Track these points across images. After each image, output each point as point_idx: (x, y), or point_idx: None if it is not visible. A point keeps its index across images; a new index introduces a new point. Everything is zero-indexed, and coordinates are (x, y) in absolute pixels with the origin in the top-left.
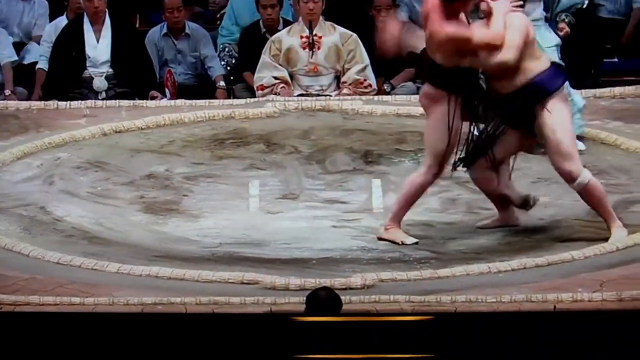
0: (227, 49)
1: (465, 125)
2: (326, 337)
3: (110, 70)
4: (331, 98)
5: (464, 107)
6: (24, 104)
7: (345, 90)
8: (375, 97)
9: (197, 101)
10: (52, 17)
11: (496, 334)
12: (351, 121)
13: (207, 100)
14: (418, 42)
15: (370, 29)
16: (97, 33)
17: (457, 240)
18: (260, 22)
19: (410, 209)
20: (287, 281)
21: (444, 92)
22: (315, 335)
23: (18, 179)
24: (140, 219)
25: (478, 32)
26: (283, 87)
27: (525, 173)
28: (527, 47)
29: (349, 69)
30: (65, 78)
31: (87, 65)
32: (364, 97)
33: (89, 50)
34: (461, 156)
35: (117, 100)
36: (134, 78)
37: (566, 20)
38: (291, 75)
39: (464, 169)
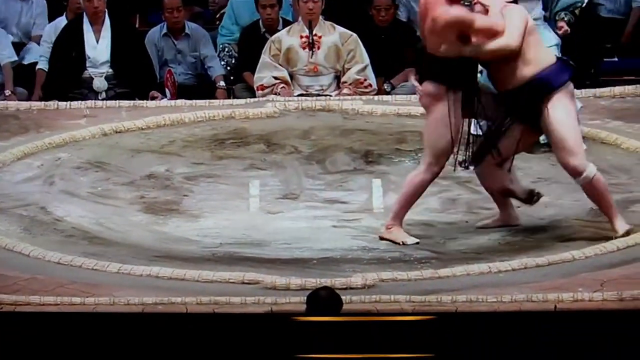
0: (227, 49)
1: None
2: (327, 337)
3: (110, 70)
4: (331, 98)
5: (463, 103)
6: (24, 104)
7: (345, 90)
8: (376, 97)
9: (197, 101)
10: (52, 17)
11: (497, 334)
12: (351, 121)
13: (207, 101)
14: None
15: (369, 28)
16: (97, 33)
17: (458, 240)
18: (260, 22)
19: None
20: (287, 281)
21: (444, 90)
22: (316, 335)
23: (18, 179)
24: (141, 219)
25: (479, 16)
26: (283, 87)
27: (525, 173)
28: (528, 36)
29: (349, 68)
30: (65, 78)
31: (87, 65)
32: (364, 97)
33: (88, 51)
34: (468, 155)
35: (117, 101)
36: (134, 78)
37: (565, 19)
38: (291, 75)
39: (470, 167)
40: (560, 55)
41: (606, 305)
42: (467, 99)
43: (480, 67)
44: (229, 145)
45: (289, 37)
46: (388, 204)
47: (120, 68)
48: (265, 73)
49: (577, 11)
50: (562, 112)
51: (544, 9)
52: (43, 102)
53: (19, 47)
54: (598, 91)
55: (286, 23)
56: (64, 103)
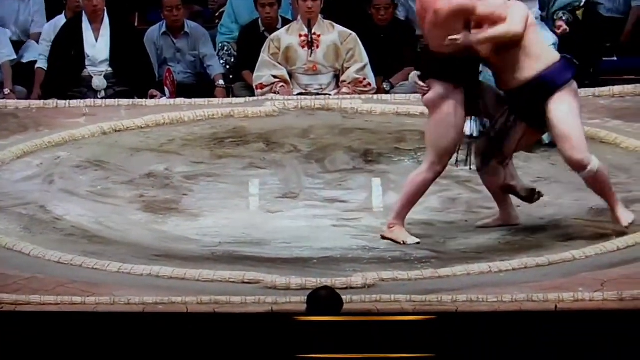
0: (226, 48)
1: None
2: (327, 337)
3: (110, 69)
4: (330, 97)
5: (466, 101)
6: (24, 103)
7: (344, 89)
8: (375, 96)
9: (197, 100)
10: (51, 16)
11: (497, 334)
12: (351, 120)
13: (207, 99)
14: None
15: (369, 27)
16: (96, 32)
17: (458, 240)
18: (259, 20)
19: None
20: (288, 281)
21: (448, 88)
22: (316, 334)
23: (18, 178)
24: (140, 218)
25: (482, 3)
26: (282, 86)
27: (525, 172)
28: (529, 32)
29: (348, 67)
30: (64, 77)
31: (86, 64)
32: (363, 96)
33: (87, 49)
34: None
35: (117, 99)
36: (133, 77)
37: (564, 18)
38: (290, 74)
39: (472, 167)
40: None
41: (607, 305)
42: (469, 97)
43: (481, 68)
44: (228, 144)
45: (288, 36)
46: (388, 203)
47: (120, 67)
48: (264, 72)
49: (580, 12)
50: (566, 108)
51: (541, 9)
52: (42, 101)
53: (17, 45)
54: (597, 90)
55: (285, 22)
56: (63, 102)
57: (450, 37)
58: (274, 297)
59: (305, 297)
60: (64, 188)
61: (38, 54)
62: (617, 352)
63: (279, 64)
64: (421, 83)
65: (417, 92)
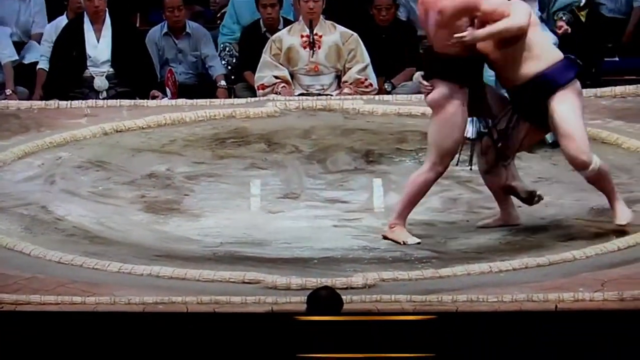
0: (227, 49)
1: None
2: (328, 337)
3: (111, 69)
4: (332, 97)
5: (469, 102)
6: (25, 104)
7: (346, 90)
8: (376, 97)
9: (198, 100)
10: (53, 17)
11: (497, 334)
12: (352, 121)
13: (208, 100)
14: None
15: (370, 27)
16: (98, 32)
17: (459, 240)
18: (261, 21)
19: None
20: (288, 281)
21: (452, 88)
22: (316, 334)
23: (19, 179)
24: (141, 218)
25: (484, 1)
26: (284, 86)
27: (526, 172)
28: (532, 30)
29: (350, 68)
30: (66, 77)
31: (88, 64)
32: (364, 97)
33: (89, 50)
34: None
35: (118, 100)
36: (135, 77)
37: (564, 18)
38: (292, 75)
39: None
40: None
41: (607, 305)
42: (473, 97)
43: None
44: (229, 145)
45: (290, 37)
46: (389, 204)
47: (121, 67)
48: (266, 72)
49: (583, 13)
50: (568, 107)
51: (540, 10)
52: (44, 101)
53: (18, 46)
54: (599, 91)
55: (287, 22)
56: (65, 102)
57: (456, 36)
58: (274, 297)
59: (306, 297)
60: (65, 188)
61: (39, 55)
62: (617, 352)
63: (281, 64)
64: (425, 82)
65: (421, 93)
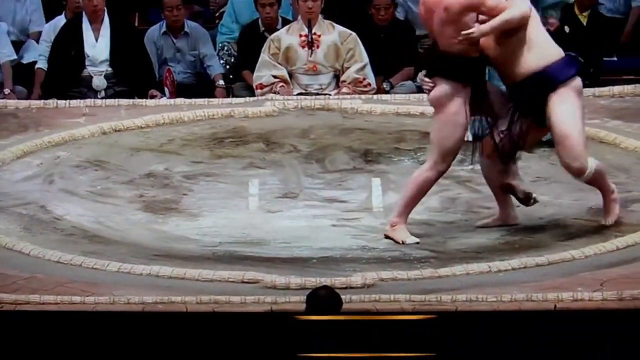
0: (226, 48)
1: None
2: (327, 336)
3: (110, 69)
4: (330, 97)
5: (472, 101)
6: (24, 103)
7: (344, 89)
8: (375, 96)
9: (197, 100)
10: (51, 16)
11: (497, 333)
12: (350, 120)
13: (207, 99)
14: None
15: (369, 27)
16: (96, 32)
17: (458, 239)
18: (259, 20)
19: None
20: (287, 280)
21: (456, 87)
22: (315, 334)
23: (18, 178)
24: (140, 217)
25: None
26: (282, 85)
27: (524, 172)
28: (532, 20)
29: (348, 67)
30: (64, 77)
31: (86, 64)
32: (363, 96)
33: (88, 49)
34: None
35: (117, 99)
36: (133, 77)
37: (555, 15)
38: (290, 74)
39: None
40: None
41: (606, 305)
42: (476, 96)
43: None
44: (228, 144)
45: (288, 36)
46: (387, 203)
47: (120, 67)
48: (264, 72)
49: (585, 14)
50: (567, 108)
51: None
52: (42, 101)
53: (16, 45)
54: (597, 90)
55: (285, 22)
56: (63, 102)
57: (463, 32)
58: (273, 296)
59: (305, 297)
60: (64, 188)
61: (38, 55)
62: (617, 352)
63: (279, 64)
64: (428, 80)
65: (424, 91)
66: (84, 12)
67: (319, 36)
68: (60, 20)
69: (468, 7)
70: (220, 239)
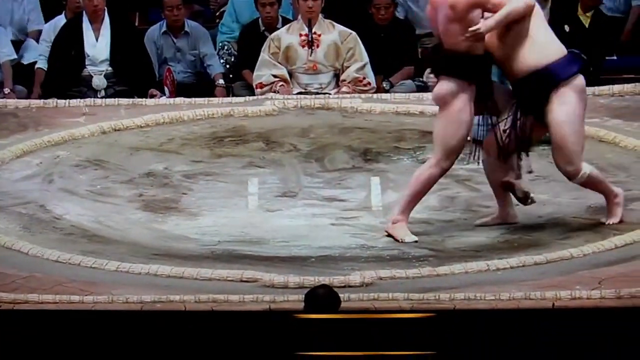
0: (226, 47)
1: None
2: (325, 335)
3: (110, 68)
4: (330, 96)
5: (477, 99)
6: (23, 102)
7: (344, 89)
8: (374, 95)
9: (196, 99)
10: (51, 16)
11: (495, 332)
12: (350, 119)
13: (206, 99)
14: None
15: (369, 26)
16: (96, 31)
17: (456, 238)
18: (260, 20)
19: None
20: (286, 279)
21: (461, 85)
22: (314, 333)
23: (17, 177)
24: (140, 217)
25: None
26: (282, 85)
27: (523, 170)
28: (535, 16)
29: (348, 67)
30: (64, 76)
31: (86, 63)
32: (363, 95)
33: (88, 49)
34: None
35: (117, 99)
36: (133, 76)
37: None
38: (290, 74)
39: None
40: None
41: (604, 303)
42: (481, 95)
43: None
44: (227, 143)
45: (289, 35)
46: (386, 202)
47: (120, 66)
48: (264, 71)
49: (588, 14)
50: (566, 110)
51: None
52: (42, 100)
53: (16, 44)
54: (597, 89)
55: (285, 21)
56: (63, 101)
57: (470, 29)
58: (272, 295)
59: (303, 296)
60: (63, 187)
61: (38, 55)
62: (615, 350)
63: (279, 63)
64: (433, 77)
65: (431, 90)
66: (84, 12)
67: (319, 35)
68: (60, 20)
69: (474, 4)
70: (220, 238)
